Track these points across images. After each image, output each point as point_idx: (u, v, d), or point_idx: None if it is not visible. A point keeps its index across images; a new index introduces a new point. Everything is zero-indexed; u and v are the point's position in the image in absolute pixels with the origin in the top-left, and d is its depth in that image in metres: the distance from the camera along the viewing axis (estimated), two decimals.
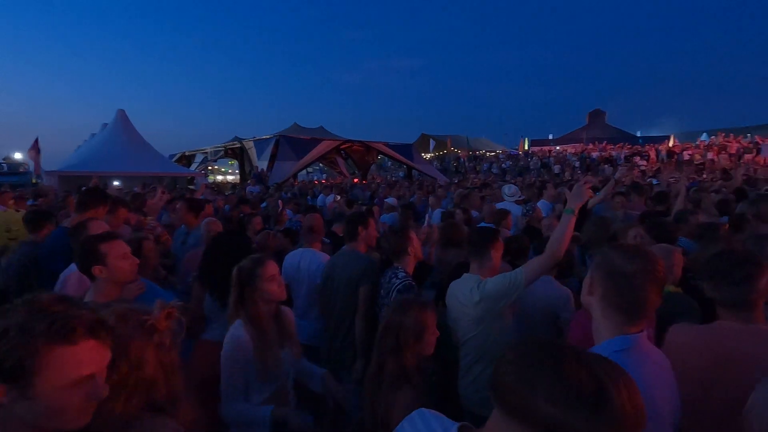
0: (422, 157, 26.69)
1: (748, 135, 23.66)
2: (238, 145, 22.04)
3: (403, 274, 2.64)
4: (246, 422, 1.84)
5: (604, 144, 28.76)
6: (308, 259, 3.21)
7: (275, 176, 17.00)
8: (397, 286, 2.57)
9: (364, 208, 6.79)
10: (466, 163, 31.00)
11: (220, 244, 2.74)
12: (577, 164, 24.90)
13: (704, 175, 15.19)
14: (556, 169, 24.52)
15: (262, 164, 18.49)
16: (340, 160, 25.31)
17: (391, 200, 7.72)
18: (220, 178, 30.81)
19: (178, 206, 4.32)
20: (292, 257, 3.27)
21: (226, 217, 6.04)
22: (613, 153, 25.55)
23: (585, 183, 2.13)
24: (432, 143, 37.01)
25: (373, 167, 26.72)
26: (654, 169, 20.39)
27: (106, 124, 20.12)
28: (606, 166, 23.09)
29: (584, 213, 4.66)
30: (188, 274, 3.13)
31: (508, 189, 5.72)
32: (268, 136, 20.17)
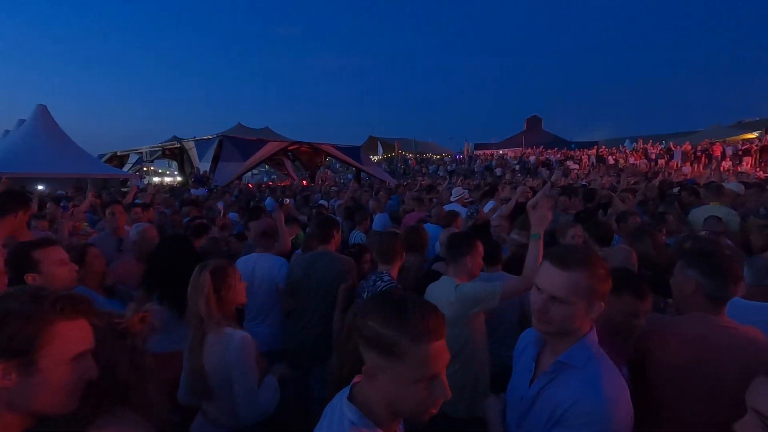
0: (370, 159, 26.85)
1: (664, 142, 26.22)
2: (178, 146, 20.89)
3: (389, 278, 2.64)
4: (269, 404, 1.91)
5: (541, 149, 30.60)
6: (266, 263, 3.14)
7: (219, 178, 16.32)
8: (381, 288, 2.57)
9: (314, 210, 6.71)
10: (414, 166, 31.60)
11: (168, 249, 2.63)
12: (517, 167, 26.27)
13: (629, 178, 16.66)
14: (498, 171, 25.72)
15: (204, 166, 17.67)
16: (287, 162, 24.79)
17: (325, 203, 7.65)
18: (157, 179, 28.97)
19: (108, 211, 3.97)
20: (246, 263, 3.16)
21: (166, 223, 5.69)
22: (550, 157, 27.27)
23: (545, 207, 2.22)
24: (380, 146, 37.34)
25: (321, 169, 26.45)
26: (585, 172, 22.02)
27: (23, 120, 18.19)
28: (543, 169, 24.59)
29: (523, 211, 4.95)
30: (121, 283, 2.92)
31: (456, 191, 5.92)
32: (210, 136, 19.32)
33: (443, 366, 0.96)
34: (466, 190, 6.11)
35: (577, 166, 24.67)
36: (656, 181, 9.95)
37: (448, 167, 28.77)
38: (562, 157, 27.04)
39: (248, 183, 18.71)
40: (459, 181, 12.92)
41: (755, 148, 21.24)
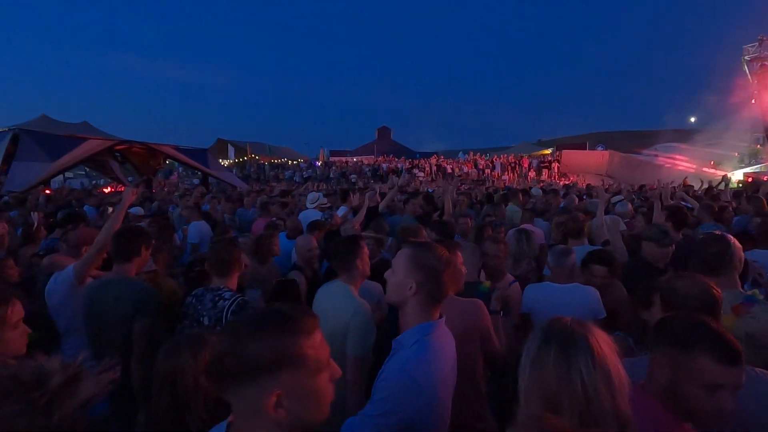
0: (219, 163, 24.88)
1: (488, 154, 30.96)
2: None
3: (230, 293, 2.31)
4: None
5: (391, 157, 32.83)
6: (57, 279, 2.50)
7: (13, 182, 12.92)
8: (229, 307, 2.21)
9: (148, 220, 5.82)
10: (269, 171, 30.49)
11: None
12: (369, 174, 27.64)
13: (461, 185, 19.26)
14: (353, 178, 26.65)
15: None
16: (114, 164, 21.11)
17: (136, 210, 6.75)
18: None
19: None
20: (50, 283, 2.51)
21: None
22: (399, 165, 29.45)
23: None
24: (231, 149, 34.93)
25: (159, 174, 23.36)
26: (429, 179, 24.45)
27: None
28: (393, 176, 26.40)
29: (375, 215, 5.19)
30: None
31: (312, 197, 5.85)
32: None
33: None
34: (321, 193, 6.09)
35: (422, 174, 27.21)
36: (484, 188, 11.73)
37: (304, 173, 28.59)
38: (409, 165, 29.49)
39: (57, 188, 15.33)
40: (315, 186, 12.92)
41: (553, 163, 26.81)
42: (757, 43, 19.71)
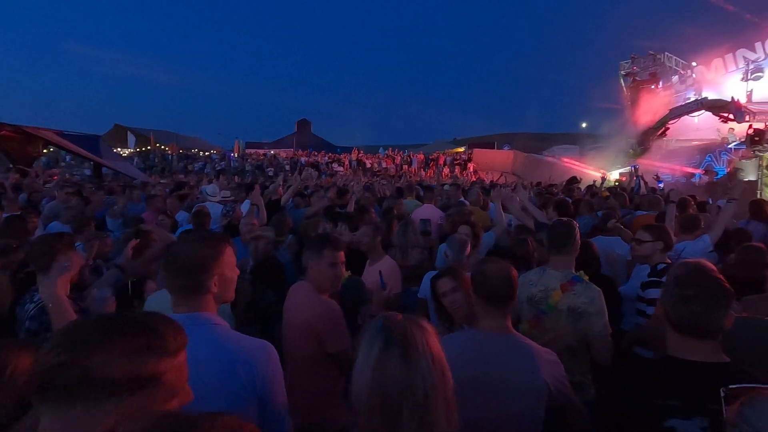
0: (115, 152, 22.46)
1: (406, 151, 31.89)
2: None
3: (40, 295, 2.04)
4: None
5: (309, 151, 32.30)
6: None
7: None
8: (30, 312, 1.96)
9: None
10: (176, 163, 28.21)
11: None
12: (287, 167, 26.91)
13: (376, 179, 19.73)
14: (270, 171, 25.73)
15: None
16: None
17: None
18: None
19: None
20: None
21: None
22: (318, 159, 29.07)
23: None
24: (132, 137, 31.71)
25: (42, 161, 20.44)
26: (347, 174, 24.52)
27: None
28: (312, 170, 25.99)
29: (276, 208, 5.08)
30: None
31: (211, 189, 5.51)
32: None
33: None
34: (216, 186, 5.77)
35: (341, 168, 27.16)
36: (398, 183, 12.13)
37: (217, 165, 26.94)
38: (329, 160, 29.27)
39: None
40: (224, 179, 12.23)
41: (466, 161, 28.41)
42: (630, 61, 22.72)
